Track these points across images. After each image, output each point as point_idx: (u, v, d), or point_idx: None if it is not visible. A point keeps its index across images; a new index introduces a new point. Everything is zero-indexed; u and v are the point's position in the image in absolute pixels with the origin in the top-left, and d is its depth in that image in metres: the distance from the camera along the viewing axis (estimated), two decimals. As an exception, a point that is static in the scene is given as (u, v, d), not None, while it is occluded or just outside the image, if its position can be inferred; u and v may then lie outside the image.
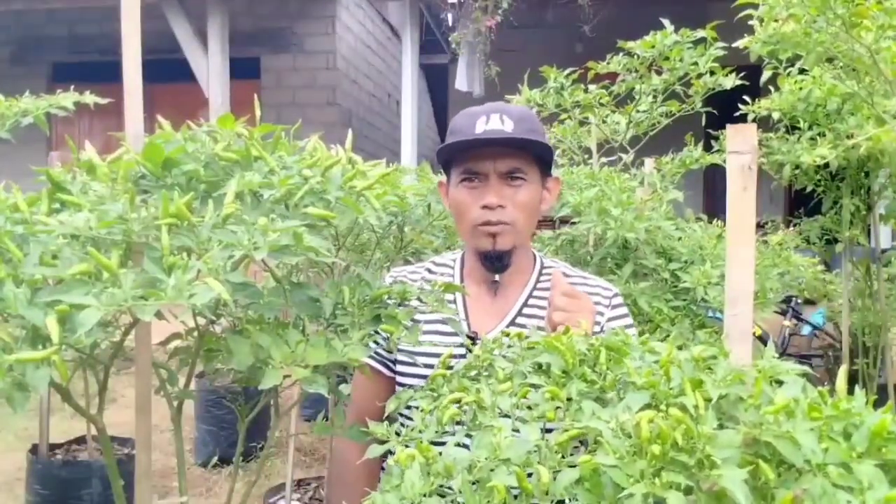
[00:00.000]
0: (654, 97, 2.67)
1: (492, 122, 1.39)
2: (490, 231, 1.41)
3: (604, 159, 2.76)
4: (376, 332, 1.13)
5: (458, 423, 0.94)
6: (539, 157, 1.45)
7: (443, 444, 0.88)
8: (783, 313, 5.52)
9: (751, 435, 0.72)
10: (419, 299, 1.23)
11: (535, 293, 1.49)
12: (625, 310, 1.51)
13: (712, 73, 2.56)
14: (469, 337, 1.36)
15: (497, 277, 1.47)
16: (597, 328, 1.42)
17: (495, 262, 1.44)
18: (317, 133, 1.22)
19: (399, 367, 1.48)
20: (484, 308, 1.48)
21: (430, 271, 1.55)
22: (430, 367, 1.17)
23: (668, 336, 1.98)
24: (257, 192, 1.05)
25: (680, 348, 0.88)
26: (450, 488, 0.81)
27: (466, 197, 1.43)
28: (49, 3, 7.36)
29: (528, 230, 1.47)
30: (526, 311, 1.47)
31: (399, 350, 1.43)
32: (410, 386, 1.23)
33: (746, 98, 3.04)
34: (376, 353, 1.47)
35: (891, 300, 3.66)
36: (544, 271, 1.52)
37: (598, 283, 1.52)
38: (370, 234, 2.46)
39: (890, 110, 2.46)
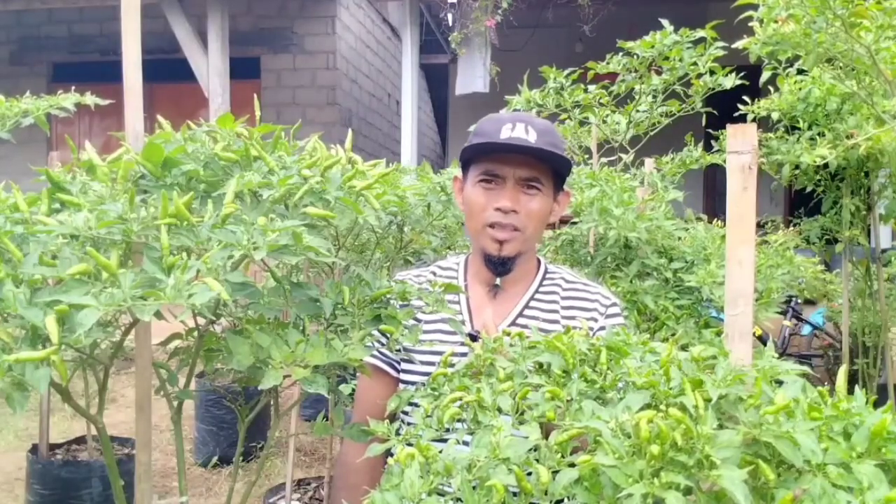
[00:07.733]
0: (654, 97, 2.67)
1: (517, 130, 1.42)
2: (498, 237, 1.45)
3: (604, 159, 2.75)
4: (381, 332, 1.13)
5: (459, 420, 0.94)
6: (556, 171, 1.49)
7: (445, 441, 0.88)
8: (783, 313, 5.51)
9: (751, 435, 0.72)
10: (421, 299, 1.23)
11: (537, 296, 1.53)
12: (620, 319, 1.54)
13: (712, 72, 2.56)
14: (471, 336, 1.37)
15: (498, 281, 1.51)
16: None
17: (498, 267, 1.48)
18: (316, 133, 1.22)
19: (404, 366, 1.50)
20: (486, 309, 1.50)
21: (434, 274, 1.58)
22: (434, 364, 1.18)
23: (674, 334, 1.98)
24: (257, 191, 1.05)
25: (685, 348, 0.88)
26: (449, 484, 0.81)
27: (481, 197, 1.46)
28: (49, 3, 7.35)
29: (535, 238, 1.52)
30: (527, 312, 1.50)
31: (403, 349, 1.45)
32: (413, 383, 1.23)
33: (746, 98, 3.04)
34: (381, 353, 1.48)
35: (891, 300, 3.66)
36: (548, 275, 1.56)
37: (598, 290, 1.56)
38: (370, 234, 2.46)
39: (890, 110, 2.46)
